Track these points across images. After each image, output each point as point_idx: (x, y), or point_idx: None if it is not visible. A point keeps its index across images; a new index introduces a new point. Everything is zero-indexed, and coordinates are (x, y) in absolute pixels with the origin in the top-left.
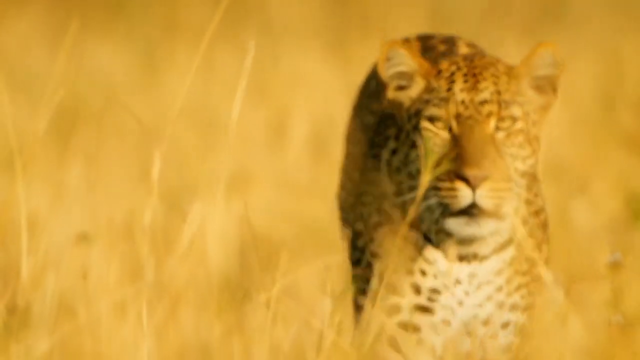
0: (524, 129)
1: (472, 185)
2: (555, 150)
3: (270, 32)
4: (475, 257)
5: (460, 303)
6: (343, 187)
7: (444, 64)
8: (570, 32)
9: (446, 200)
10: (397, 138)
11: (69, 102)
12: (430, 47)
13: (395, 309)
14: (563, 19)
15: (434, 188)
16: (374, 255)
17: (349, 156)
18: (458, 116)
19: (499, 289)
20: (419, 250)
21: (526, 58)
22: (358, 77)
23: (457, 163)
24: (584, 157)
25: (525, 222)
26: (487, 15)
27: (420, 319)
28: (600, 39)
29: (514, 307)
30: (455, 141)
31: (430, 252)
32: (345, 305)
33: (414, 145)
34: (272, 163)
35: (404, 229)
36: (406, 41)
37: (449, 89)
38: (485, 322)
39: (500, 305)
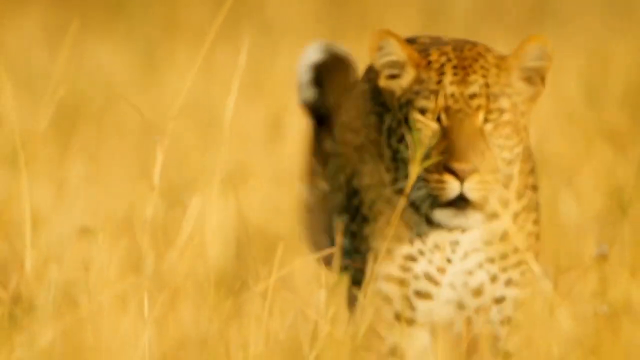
0: (512, 120)
1: (460, 178)
2: (543, 145)
3: (268, 31)
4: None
5: (442, 270)
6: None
7: (434, 55)
8: (558, 31)
9: (434, 192)
10: (390, 127)
11: (70, 100)
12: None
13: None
14: (550, 18)
15: (423, 179)
16: (368, 246)
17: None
18: (447, 109)
19: (491, 260)
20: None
21: (516, 50)
22: None
23: (446, 155)
24: (571, 152)
25: (521, 195)
26: (479, 13)
27: (391, 289)
28: (586, 37)
29: (510, 283)
30: (444, 133)
31: (412, 217)
32: (340, 296)
33: (404, 136)
34: (269, 159)
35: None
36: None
37: (439, 82)
38: (477, 293)
39: (493, 279)
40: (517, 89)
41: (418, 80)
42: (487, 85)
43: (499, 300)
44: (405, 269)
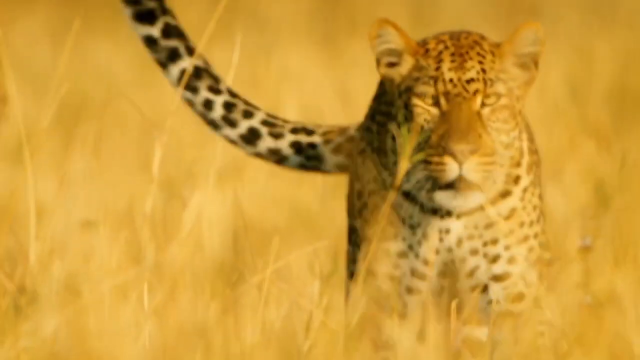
0: (508, 105)
1: (459, 160)
2: None
3: (263, 29)
4: (449, 213)
5: (427, 262)
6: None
7: (432, 43)
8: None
9: (435, 174)
10: (392, 113)
11: (73, 96)
12: None
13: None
14: (537, 16)
15: (423, 162)
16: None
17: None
18: (446, 94)
19: (494, 241)
20: (397, 213)
21: (510, 37)
22: (345, 71)
23: (445, 138)
24: (557, 148)
25: (530, 169)
26: (467, 13)
27: (386, 286)
28: (571, 35)
29: (512, 260)
30: (444, 117)
31: (407, 209)
32: (333, 287)
33: (406, 120)
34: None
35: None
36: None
37: (438, 68)
38: (469, 274)
39: (494, 259)
40: (513, 74)
41: (417, 68)
42: (483, 70)
43: (502, 278)
44: (397, 266)
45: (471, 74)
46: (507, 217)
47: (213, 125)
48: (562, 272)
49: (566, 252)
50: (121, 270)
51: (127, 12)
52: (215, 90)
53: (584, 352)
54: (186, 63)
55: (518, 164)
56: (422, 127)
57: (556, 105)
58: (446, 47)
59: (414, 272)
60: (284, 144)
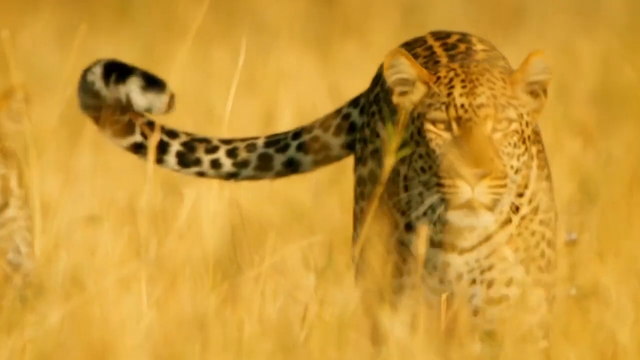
0: (519, 130)
1: (471, 183)
2: None
3: (260, 32)
4: (453, 248)
5: (435, 291)
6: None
7: (443, 71)
8: (531, 30)
9: (448, 196)
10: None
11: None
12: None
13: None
14: (524, 17)
15: (436, 184)
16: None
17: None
18: (458, 119)
19: (489, 268)
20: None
21: (521, 66)
22: (339, 72)
23: (458, 162)
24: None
25: (532, 200)
26: (458, 15)
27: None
28: (556, 37)
29: (510, 283)
30: (456, 142)
31: (408, 238)
32: (328, 280)
33: (418, 145)
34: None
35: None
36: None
37: (449, 94)
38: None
39: (490, 284)
40: (523, 101)
41: (429, 95)
42: (494, 96)
43: (497, 302)
44: (411, 297)
45: (482, 99)
46: (506, 242)
47: (231, 177)
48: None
49: None
50: (124, 264)
51: (105, 134)
52: (212, 149)
53: (570, 342)
54: (176, 145)
55: (521, 195)
56: (434, 152)
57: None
58: (457, 74)
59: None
60: (292, 152)
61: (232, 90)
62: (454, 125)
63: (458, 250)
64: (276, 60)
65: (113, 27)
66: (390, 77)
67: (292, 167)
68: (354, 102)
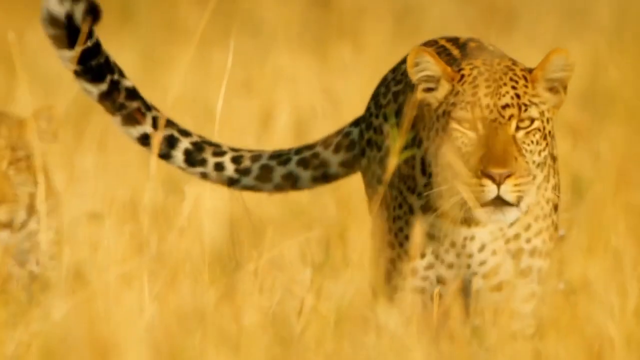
0: (540, 127)
1: (497, 182)
2: None
3: (258, 34)
4: (477, 223)
5: (451, 266)
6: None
7: (466, 69)
8: (522, 34)
9: (474, 195)
10: (426, 135)
11: (82, 96)
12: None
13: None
14: (515, 21)
15: (463, 183)
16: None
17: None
18: (483, 119)
19: (516, 236)
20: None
21: (541, 63)
22: (334, 74)
23: (484, 162)
24: None
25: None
26: (451, 18)
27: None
28: (547, 39)
29: (534, 253)
30: (481, 142)
31: (437, 225)
32: (324, 274)
33: (444, 142)
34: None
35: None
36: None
37: (474, 94)
38: (485, 276)
39: (517, 254)
40: (544, 98)
41: (453, 93)
42: (517, 96)
43: (525, 273)
44: (425, 278)
45: (506, 99)
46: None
47: (233, 183)
48: None
49: None
50: (126, 260)
51: (115, 120)
52: (220, 153)
53: (559, 335)
54: (186, 143)
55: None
56: (460, 150)
57: None
58: (480, 73)
59: (439, 279)
60: (292, 166)
61: (222, 90)
62: (479, 125)
63: (483, 223)
64: (273, 62)
65: (115, 30)
66: (415, 75)
67: (291, 181)
68: (355, 122)
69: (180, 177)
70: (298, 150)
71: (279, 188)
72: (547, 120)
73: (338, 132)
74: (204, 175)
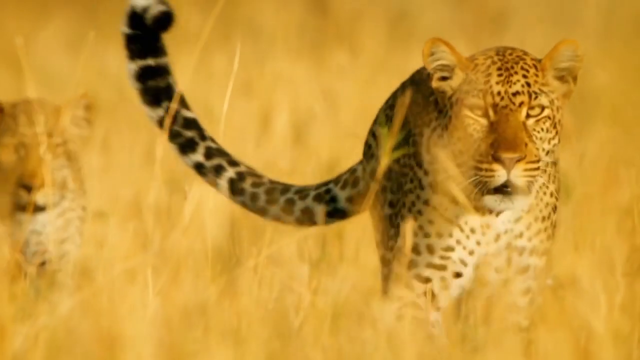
0: (550, 115)
1: (507, 167)
2: None
3: (257, 39)
4: (490, 211)
5: (472, 252)
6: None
7: (480, 59)
8: (512, 37)
9: (484, 179)
10: (438, 121)
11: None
12: None
13: (412, 264)
14: (506, 26)
15: (474, 168)
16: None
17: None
18: (495, 106)
19: (520, 235)
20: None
21: (550, 53)
22: (331, 77)
23: (495, 147)
24: None
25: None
26: (444, 23)
27: (431, 273)
28: (536, 44)
29: (533, 252)
30: (492, 128)
31: (453, 210)
32: (321, 271)
33: (455, 129)
34: (258, 150)
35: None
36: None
37: (486, 82)
38: (498, 269)
39: (521, 251)
40: (553, 87)
41: (467, 81)
42: (528, 84)
43: (524, 270)
44: (445, 258)
45: (517, 87)
46: (527, 212)
47: (262, 212)
48: None
49: None
50: (130, 256)
51: (173, 147)
52: (258, 184)
53: (547, 329)
54: (231, 173)
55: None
56: (472, 136)
57: None
58: (493, 62)
59: (460, 261)
60: (309, 200)
61: (228, 93)
62: (491, 112)
63: (496, 212)
64: (272, 66)
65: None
66: (430, 64)
67: (308, 215)
68: (361, 161)
69: (182, 177)
70: (318, 186)
71: (299, 222)
72: (557, 109)
73: (348, 170)
74: (244, 204)
